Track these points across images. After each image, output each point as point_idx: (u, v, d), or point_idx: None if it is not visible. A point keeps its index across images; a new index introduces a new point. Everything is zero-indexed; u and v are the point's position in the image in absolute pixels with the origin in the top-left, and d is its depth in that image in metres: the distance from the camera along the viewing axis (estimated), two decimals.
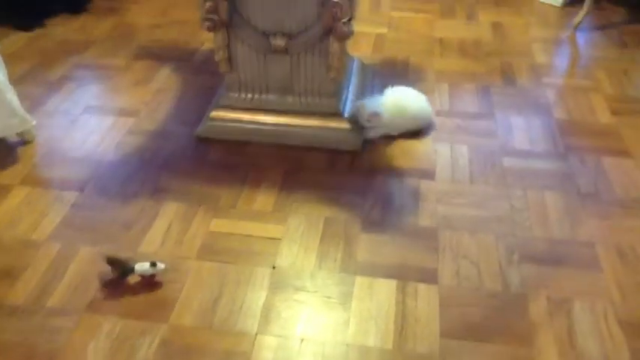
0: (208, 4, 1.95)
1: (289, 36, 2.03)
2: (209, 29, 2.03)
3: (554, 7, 3.26)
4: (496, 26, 3.06)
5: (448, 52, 2.83)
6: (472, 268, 1.73)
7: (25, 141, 2.21)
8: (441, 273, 1.71)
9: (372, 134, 2.20)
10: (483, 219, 1.90)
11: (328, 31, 1.98)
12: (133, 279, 1.65)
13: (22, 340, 1.52)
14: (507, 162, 2.14)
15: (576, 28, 3.01)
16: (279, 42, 2.04)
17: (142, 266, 1.62)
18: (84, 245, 1.79)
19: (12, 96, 2.06)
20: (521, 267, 1.73)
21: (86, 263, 1.73)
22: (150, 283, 1.65)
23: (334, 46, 2.02)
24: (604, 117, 2.38)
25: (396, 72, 2.67)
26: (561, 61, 2.81)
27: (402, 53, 2.81)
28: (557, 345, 1.52)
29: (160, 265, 1.63)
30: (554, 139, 2.25)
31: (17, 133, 2.17)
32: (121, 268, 1.63)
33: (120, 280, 1.64)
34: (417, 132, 2.26)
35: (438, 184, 2.04)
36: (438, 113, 2.38)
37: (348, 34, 1.99)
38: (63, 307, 1.60)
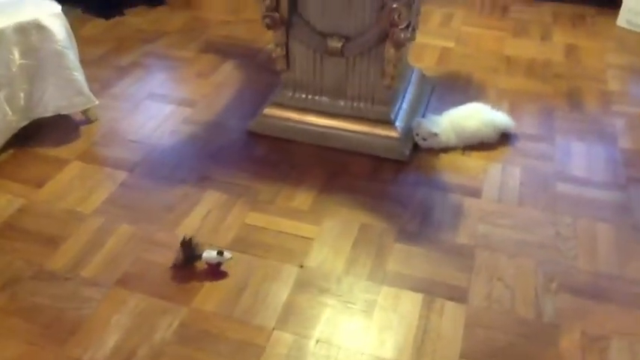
0: (268, 1, 1.98)
1: (346, 38, 2.03)
2: (268, 27, 2.07)
3: (636, 33, 3.09)
4: (570, 48, 2.94)
5: (515, 71, 2.74)
6: (506, 291, 1.66)
7: (89, 120, 2.32)
8: (472, 293, 1.65)
9: (427, 145, 2.19)
10: (525, 243, 1.82)
11: (385, 37, 1.97)
12: (200, 265, 1.68)
13: (53, 303, 1.59)
14: (561, 188, 2.04)
15: None
16: (336, 44, 2.04)
17: (210, 253, 1.65)
18: (125, 223, 1.85)
19: (80, 75, 2.17)
20: (559, 297, 1.64)
21: (124, 240, 1.79)
22: (215, 271, 1.67)
23: (390, 52, 2.00)
24: None
25: (458, 87, 2.61)
26: (636, 91, 2.66)
27: (467, 68, 2.75)
28: None
29: (227, 255, 1.65)
30: (615, 169, 2.13)
31: (82, 112, 2.29)
32: (189, 253, 1.66)
33: (187, 265, 1.67)
34: (465, 150, 2.21)
35: (483, 202, 1.98)
36: None
37: (405, 41, 1.97)
38: (95, 278, 1.67)
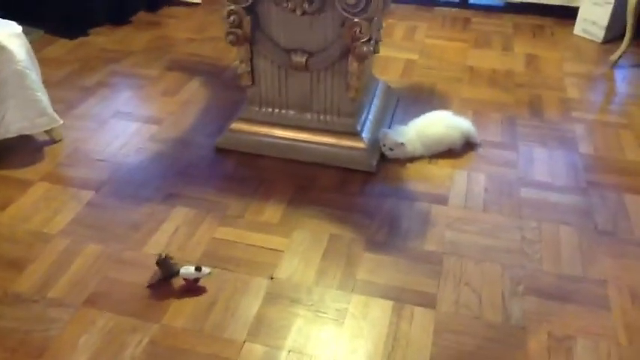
0: (232, 17, 2.00)
1: (309, 53, 2.06)
2: (232, 43, 2.09)
3: (594, 42, 3.20)
4: (530, 58, 3.03)
5: (477, 81, 2.80)
6: (473, 296, 1.69)
7: (53, 140, 2.29)
8: (440, 299, 1.68)
9: (394, 155, 2.22)
10: (492, 248, 1.85)
11: (347, 51, 2.00)
12: (177, 282, 1.67)
13: (19, 327, 1.56)
14: (525, 193, 2.09)
15: (614, 64, 2.95)
16: (300, 59, 2.07)
17: (187, 269, 1.64)
18: (92, 242, 1.83)
19: (42, 95, 2.15)
20: (525, 300, 1.68)
21: (91, 259, 1.77)
22: (193, 287, 1.66)
23: (353, 65, 2.03)
24: (632, 154, 2.30)
25: (422, 97, 2.66)
26: (594, 97, 2.74)
27: (430, 79, 2.81)
28: None
29: (205, 270, 1.64)
30: (576, 173, 2.19)
31: (46, 132, 2.26)
32: (166, 270, 1.65)
33: (165, 282, 1.66)
34: (431, 158, 2.25)
35: (449, 209, 2.01)
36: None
37: (367, 54, 2.00)
38: (62, 299, 1.64)
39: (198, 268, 1.63)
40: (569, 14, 3.36)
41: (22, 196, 2.02)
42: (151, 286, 1.67)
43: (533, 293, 1.70)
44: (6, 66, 2.02)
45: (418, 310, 1.63)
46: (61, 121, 2.24)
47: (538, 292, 1.70)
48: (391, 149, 2.18)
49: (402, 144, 2.17)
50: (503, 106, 2.61)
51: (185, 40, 3.18)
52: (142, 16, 3.45)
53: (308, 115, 2.20)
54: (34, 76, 2.11)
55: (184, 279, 1.66)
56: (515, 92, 2.72)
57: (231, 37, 2.06)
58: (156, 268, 1.67)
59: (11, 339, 1.53)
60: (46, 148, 2.28)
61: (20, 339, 1.53)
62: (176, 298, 1.65)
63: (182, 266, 1.66)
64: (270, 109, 2.24)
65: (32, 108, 2.12)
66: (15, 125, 2.11)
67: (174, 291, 1.67)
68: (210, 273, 1.65)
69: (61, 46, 3.06)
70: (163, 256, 1.65)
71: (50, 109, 2.17)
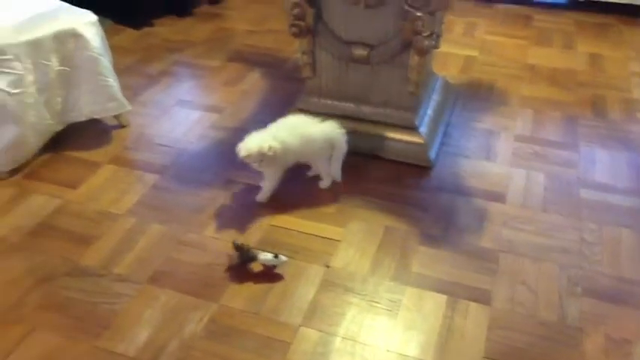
0: (296, 10, 2.04)
1: (371, 47, 2.07)
2: (295, 35, 2.12)
3: None
4: (594, 57, 2.95)
5: (538, 79, 2.76)
6: (529, 294, 1.68)
7: (121, 125, 2.39)
8: (495, 295, 1.67)
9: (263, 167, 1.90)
10: (550, 248, 1.83)
11: (408, 45, 2.01)
12: (256, 267, 1.72)
13: (87, 298, 1.65)
14: (585, 194, 2.05)
15: None
16: (361, 52, 2.09)
17: (265, 256, 1.68)
18: (156, 223, 1.91)
19: (113, 81, 2.25)
20: (583, 301, 1.65)
21: (155, 239, 1.85)
22: (270, 273, 1.71)
23: (414, 59, 2.04)
24: None
25: (481, 94, 2.64)
26: None
27: (490, 76, 2.78)
28: None
29: (282, 258, 1.68)
30: (639, 175, 2.14)
31: (115, 117, 2.36)
32: (244, 255, 1.70)
33: (242, 266, 1.72)
34: (489, 156, 2.23)
35: (507, 207, 1.99)
36: (517, 138, 2.33)
37: (429, 49, 2.00)
38: (127, 275, 1.72)
39: (275, 256, 1.67)
40: (635, 12, 3.26)
41: (91, 176, 2.12)
42: (230, 269, 1.72)
43: (590, 295, 1.67)
44: (81, 52, 2.12)
45: (473, 306, 1.64)
46: (130, 107, 2.34)
47: (596, 293, 1.68)
48: (261, 160, 1.85)
49: (271, 148, 1.82)
50: (564, 105, 2.56)
51: (245, 31, 3.24)
52: (203, 8, 3.54)
53: (366, 108, 2.22)
54: (106, 62, 2.20)
55: (262, 265, 1.69)
56: (577, 91, 2.66)
57: (294, 29, 2.10)
58: (233, 252, 1.71)
59: (79, 309, 1.62)
60: (114, 133, 2.38)
61: (87, 310, 1.62)
62: (238, 283, 1.70)
63: (260, 252, 1.69)
64: (328, 101, 2.27)
65: (103, 93, 2.21)
66: (87, 109, 2.22)
67: (252, 275, 1.71)
68: (286, 261, 1.68)
69: (127, 36, 3.17)
70: (240, 242, 1.71)
71: (120, 95, 2.27)
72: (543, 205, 2.01)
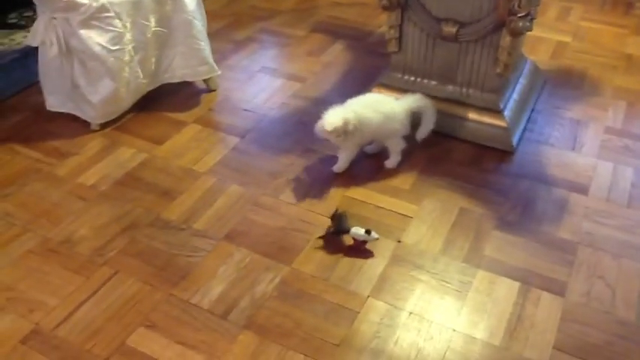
0: None
1: (461, 24, 2.03)
2: (385, 8, 2.10)
3: None
4: None
5: (634, 70, 2.61)
6: (607, 290, 1.62)
7: (209, 89, 2.46)
8: (570, 287, 1.63)
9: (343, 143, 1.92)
10: (633, 245, 1.76)
11: (502, 24, 1.95)
12: (348, 240, 1.74)
13: (167, 249, 1.73)
14: None
15: None
16: (450, 29, 2.05)
17: (358, 230, 1.70)
18: (234, 184, 1.97)
19: (206, 45, 2.31)
20: None
21: (233, 199, 1.91)
22: (361, 248, 1.72)
23: (506, 40, 1.98)
24: None
25: (571, 82, 2.54)
26: None
27: (582, 64, 2.66)
28: None
29: (374, 235, 1.69)
30: None
31: (204, 81, 2.43)
32: (338, 225, 1.73)
33: (335, 237, 1.75)
34: (575, 146, 2.15)
35: (590, 200, 1.92)
36: (607, 130, 2.23)
37: (523, 30, 1.94)
38: (205, 231, 1.79)
39: (367, 232, 1.68)
40: None
41: (176, 134, 2.21)
42: (322, 238, 1.75)
43: None
44: (178, 14, 2.19)
45: (546, 295, 1.60)
46: (219, 72, 2.40)
47: None
48: (340, 135, 1.85)
49: (353, 123, 1.84)
50: None
51: (331, 3, 3.24)
52: None
53: (451, 87, 2.18)
54: (200, 26, 2.27)
55: (354, 239, 1.71)
56: None
57: (384, 1, 2.08)
58: (331, 221, 1.74)
59: (160, 259, 1.71)
60: (201, 95, 2.45)
61: (167, 260, 1.70)
62: (309, 247, 1.74)
63: (354, 226, 1.71)
64: (412, 78, 2.24)
65: (195, 56, 2.28)
66: (180, 71, 2.30)
67: (343, 248, 1.73)
68: (377, 238, 1.69)
69: (216, 1, 3.23)
70: (339, 212, 1.74)
71: (211, 59, 2.33)
72: (629, 200, 1.92)
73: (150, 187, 1.96)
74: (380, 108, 1.93)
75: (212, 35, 2.81)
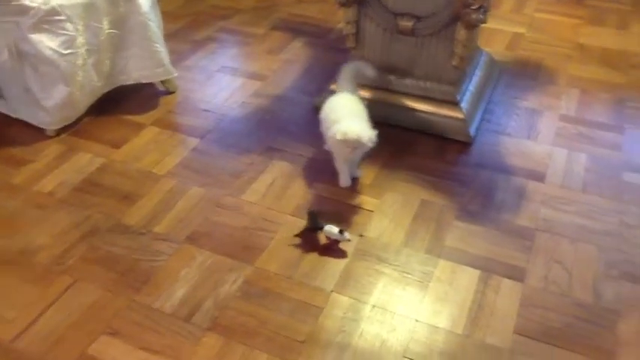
0: None
1: (417, 18, 2.05)
2: (341, 4, 2.11)
3: None
4: None
5: (588, 59, 2.68)
6: (564, 274, 1.66)
7: (167, 91, 2.44)
8: (529, 273, 1.66)
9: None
10: (588, 229, 1.80)
11: (457, 17, 1.98)
12: (324, 238, 1.74)
13: (128, 254, 1.71)
14: (628, 177, 2.00)
15: None
16: (407, 23, 2.06)
17: (331, 229, 1.69)
18: (195, 185, 1.96)
19: (161, 47, 2.28)
20: (619, 283, 1.63)
21: (194, 201, 1.89)
22: (335, 248, 1.72)
23: (461, 33, 2.01)
24: None
25: (526, 72, 2.58)
26: None
27: (537, 54, 2.71)
28: None
29: (346, 235, 1.69)
30: None
31: (162, 83, 2.41)
32: (312, 222, 1.73)
33: (310, 233, 1.74)
34: (531, 134, 2.19)
35: (546, 187, 1.97)
36: (562, 118, 2.28)
37: (477, 22, 1.97)
38: (167, 234, 1.78)
39: (341, 231, 1.68)
40: None
41: (135, 137, 2.18)
42: (299, 235, 1.75)
43: (628, 278, 1.65)
44: (132, 16, 2.17)
45: (506, 282, 1.63)
46: (176, 73, 2.38)
47: (633, 277, 1.65)
48: (356, 147, 1.82)
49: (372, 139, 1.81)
50: (613, 86, 2.49)
51: (292, 1, 3.23)
52: None
53: (409, 81, 2.20)
54: (155, 28, 2.24)
55: (327, 237, 1.71)
56: (628, 73, 2.58)
57: None
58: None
59: (121, 264, 1.68)
60: (158, 96, 2.42)
61: (129, 265, 1.68)
62: (272, 246, 1.74)
63: (328, 224, 1.70)
64: None
65: (151, 58, 2.26)
66: (136, 73, 2.27)
67: (318, 246, 1.73)
68: (349, 240, 1.69)
69: (174, 1, 3.20)
70: (314, 209, 1.74)
71: (167, 61, 2.31)
72: (583, 186, 1.97)
73: (109, 192, 1.93)
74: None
75: (170, 36, 2.80)
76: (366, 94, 2.24)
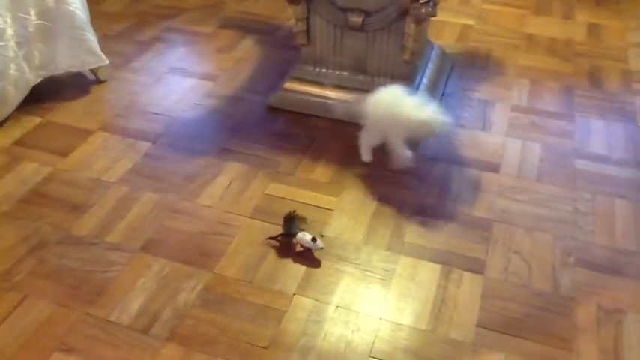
0: None
1: (366, 13, 2.03)
2: (290, 1, 2.08)
3: None
4: (592, 27, 2.92)
5: (535, 49, 2.73)
6: (522, 264, 1.68)
7: (99, 80, 2.39)
8: (488, 264, 1.68)
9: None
10: (544, 218, 1.83)
11: (406, 12, 1.97)
12: (298, 246, 1.68)
13: (80, 267, 1.64)
14: (580, 165, 2.05)
15: None
16: (356, 19, 2.05)
17: (304, 235, 1.65)
18: (148, 191, 1.89)
19: (90, 35, 2.26)
20: (576, 271, 1.66)
21: (148, 207, 1.83)
22: (309, 256, 1.67)
23: (410, 27, 2.00)
24: None
25: (477, 63, 2.61)
26: None
27: (487, 46, 2.74)
28: (600, 354, 1.45)
29: (318, 244, 1.64)
30: (634, 147, 2.13)
31: (93, 72, 2.37)
32: (286, 228, 1.68)
33: (283, 239, 1.69)
34: (484, 126, 2.21)
35: (501, 177, 1.99)
36: (513, 108, 2.32)
37: (426, 16, 1.97)
38: (120, 243, 1.71)
39: (313, 239, 1.63)
40: None
41: (82, 144, 2.10)
42: (273, 238, 1.71)
43: (584, 265, 1.68)
44: (59, 6, 2.14)
45: (466, 275, 1.64)
46: (107, 61, 2.35)
47: (589, 264, 1.68)
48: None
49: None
50: (561, 75, 2.54)
51: None
52: None
53: (362, 77, 2.19)
54: (82, 16, 2.21)
55: (301, 245, 1.66)
56: (575, 62, 2.64)
57: None
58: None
59: (73, 277, 1.62)
60: (105, 100, 2.35)
61: (81, 278, 1.61)
62: (230, 250, 1.69)
63: (302, 231, 1.66)
64: (323, 70, 2.24)
65: (81, 47, 2.23)
66: (64, 62, 2.23)
67: (291, 252, 1.69)
68: (322, 248, 1.64)
69: (118, 1, 3.10)
70: (291, 214, 1.69)
71: (97, 49, 2.28)
72: (538, 175, 2.00)
73: (57, 202, 1.85)
74: None
75: (115, 37, 2.72)
76: (316, 90, 2.23)
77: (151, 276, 1.62)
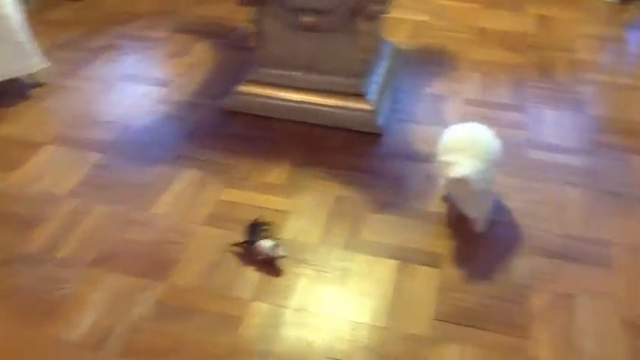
0: None
1: (319, 13, 2.03)
2: (242, 3, 2.07)
3: (608, 3, 3.12)
4: (543, 19, 2.96)
5: (488, 43, 2.76)
6: (478, 256, 1.70)
7: (38, 83, 2.34)
8: (444, 258, 1.69)
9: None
10: (499, 208, 1.85)
11: (358, 11, 1.97)
12: (261, 256, 1.64)
13: (30, 285, 1.60)
14: (533, 154, 2.08)
15: (629, 25, 2.88)
16: (309, 19, 2.04)
17: (265, 242, 1.61)
18: (100, 203, 1.85)
19: (28, 39, 2.21)
20: (530, 259, 1.68)
21: (100, 220, 1.80)
22: (270, 264, 1.63)
23: (363, 25, 2.00)
24: None
25: (430, 59, 2.63)
26: (606, 59, 2.69)
27: (440, 41, 2.76)
28: (554, 339, 1.47)
29: (281, 252, 1.61)
30: (585, 135, 2.17)
31: (32, 76, 2.32)
32: (248, 234, 1.65)
33: (246, 246, 1.66)
34: (439, 120, 2.23)
35: None
36: (467, 102, 2.34)
37: (378, 14, 1.98)
38: (71, 259, 1.67)
39: (274, 247, 1.60)
40: None
41: (31, 157, 2.04)
42: (237, 245, 1.67)
43: (538, 253, 1.70)
44: None
45: (423, 269, 1.65)
46: (49, 63, 2.30)
47: (543, 251, 1.71)
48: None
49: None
50: (513, 67, 2.57)
51: (192, 1, 3.14)
52: None
53: (316, 77, 2.18)
54: (17, 19, 2.16)
55: (262, 253, 1.63)
56: (526, 54, 2.68)
57: None
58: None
59: (23, 297, 1.57)
60: (54, 110, 2.29)
61: (32, 296, 1.57)
62: (184, 259, 1.67)
63: (266, 239, 1.63)
64: (278, 71, 2.22)
65: (18, 51, 2.19)
66: (5, 68, 2.18)
67: (252, 260, 1.65)
68: (285, 256, 1.61)
69: (66, 9, 3.03)
70: (256, 221, 1.66)
71: (35, 52, 2.23)
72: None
73: (4, 219, 1.80)
74: None
75: (63, 46, 2.66)
76: (271, 92, 2.21)
77: (103, 291, 1.58)
